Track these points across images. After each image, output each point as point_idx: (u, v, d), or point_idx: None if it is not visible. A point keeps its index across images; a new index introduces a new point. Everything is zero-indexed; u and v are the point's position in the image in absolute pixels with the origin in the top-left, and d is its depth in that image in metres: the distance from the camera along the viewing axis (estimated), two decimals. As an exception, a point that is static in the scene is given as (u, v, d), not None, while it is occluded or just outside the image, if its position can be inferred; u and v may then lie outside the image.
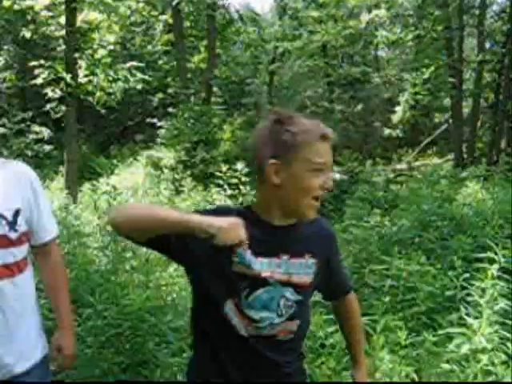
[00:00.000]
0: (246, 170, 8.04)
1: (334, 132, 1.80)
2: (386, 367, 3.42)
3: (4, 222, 2.03)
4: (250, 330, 1.78)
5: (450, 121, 15.98)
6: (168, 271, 5.47)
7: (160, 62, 17.76)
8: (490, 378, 3.20)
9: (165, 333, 3.95)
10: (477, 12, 14.74)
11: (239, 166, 8.00)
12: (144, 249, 6.03)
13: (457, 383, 3.13)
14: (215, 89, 14.85)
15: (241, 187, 7.81)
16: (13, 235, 2.05)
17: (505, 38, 14.19)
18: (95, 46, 12.32)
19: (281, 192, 1.72)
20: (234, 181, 7.90)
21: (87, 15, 12.20)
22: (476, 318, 3.45)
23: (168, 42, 16.95)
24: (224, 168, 7.95)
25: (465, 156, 14.03)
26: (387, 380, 3.32)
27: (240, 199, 7.68)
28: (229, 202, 7.41)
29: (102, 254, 5.62)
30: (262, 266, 1.76)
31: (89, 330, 3.85)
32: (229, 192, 7.70)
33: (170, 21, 15.40)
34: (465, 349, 3.18)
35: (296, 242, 1.82)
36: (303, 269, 1.83)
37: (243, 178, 7.85)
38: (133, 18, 13.79)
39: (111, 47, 12.90)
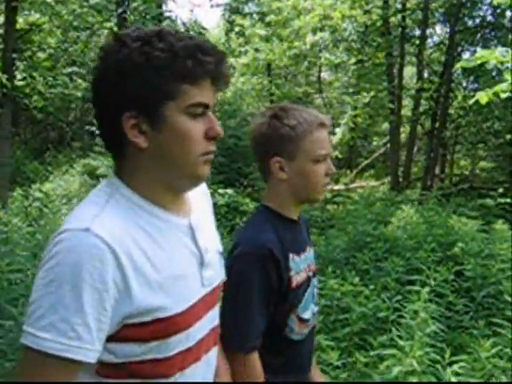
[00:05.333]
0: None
1: (329, 118, 1.80)
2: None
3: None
4: (304, 331, 1.79)
5: (388, 145, 16.36)
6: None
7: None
8: (419, 400, 3.22)
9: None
10: (417, 42, 15.21)
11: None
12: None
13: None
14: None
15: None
16: None
17: (442, 68, 14.69)
18: (35, 49, 11.94)
19: (290, 185, 1.73)
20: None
21: (28, 16, 11.86)
22: (407, 340, 3.47)
23: (112, 49, 16.66)
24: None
25: (400, 180, 14.37)
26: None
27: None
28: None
29: (30, 263, 5.37)
30: (304, 264, 1.79)
31: (10, 343, 3.65)
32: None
33: (116, 29, 15.15)
34: (396, 371, 3.18)
35: (305, 233, 1.90)
36: (314, 257, 1.91)
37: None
38: (76, 23, 13.50)
39: (51, 51, 12.54)
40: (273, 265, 1.66)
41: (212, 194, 8.91)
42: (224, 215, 8.25)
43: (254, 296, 1.65)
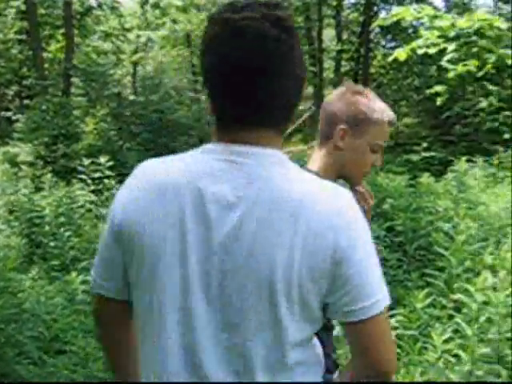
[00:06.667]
0: (110, 163, 7.71)
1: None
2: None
3: None
4: None
5: (313, 108, 16.47)
6: (28, 275, 5.08)
7: (13, 51, 16.63)
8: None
9: (24, 343, 3.65)
10: (334, 3, 15.26)
11: (102, 159, 7.64)
12: (1, 252, 5.58)
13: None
14: (75, 80, 14.15)
15: (105, 181, 7.47)
16: None
17: (360, 28, 14.84)
18: None
19: (341, 156, 1.83)
20: (98, 175, 7.54)
21: None
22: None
23: (22, 29, 15.90)
24: (86, 162, 7.55)
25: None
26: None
27: (105, 194, 7.34)
28: (93, 198, 7.07)
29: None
30: None
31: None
32: (92, 187, 7.33)
33: (23, 7, 14.45)
34: (337, 329, 3.19)
35: None
36: None
37: (107, 172, 7.50)
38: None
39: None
40: None
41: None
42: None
43: None
